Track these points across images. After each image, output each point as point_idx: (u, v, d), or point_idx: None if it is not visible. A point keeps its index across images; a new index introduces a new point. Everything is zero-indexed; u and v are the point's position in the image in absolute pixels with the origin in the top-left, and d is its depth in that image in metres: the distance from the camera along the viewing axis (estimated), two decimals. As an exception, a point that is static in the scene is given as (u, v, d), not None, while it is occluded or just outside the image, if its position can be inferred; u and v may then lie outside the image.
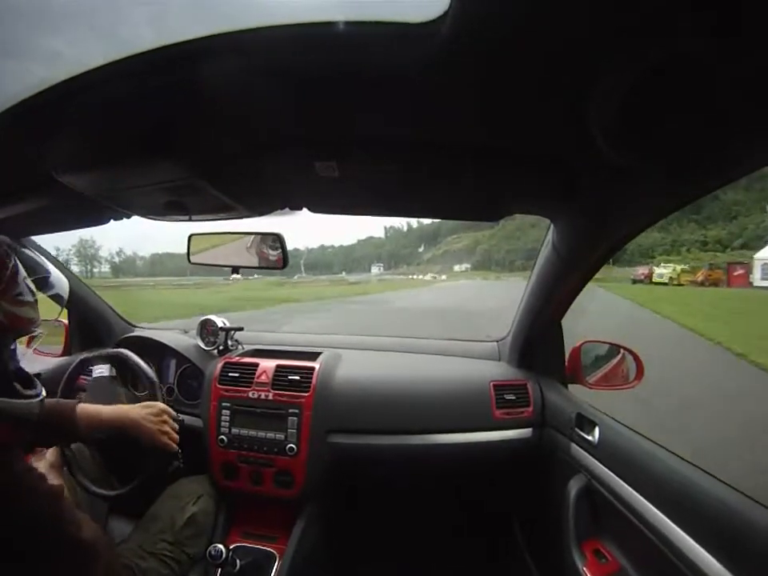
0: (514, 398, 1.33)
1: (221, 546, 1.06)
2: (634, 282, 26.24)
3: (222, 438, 1.29)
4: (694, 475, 0.77)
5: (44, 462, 1.08)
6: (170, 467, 1.17)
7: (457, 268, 72.48)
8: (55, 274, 0.81)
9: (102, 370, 1.24)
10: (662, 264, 30.51)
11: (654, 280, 26.18)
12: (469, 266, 74.39)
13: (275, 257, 1.18)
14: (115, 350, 1.31)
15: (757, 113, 0.47)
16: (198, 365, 1.47)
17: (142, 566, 0.94)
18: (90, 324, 1.69)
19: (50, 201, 0.95)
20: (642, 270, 28.27)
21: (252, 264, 1.22)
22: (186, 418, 1.34)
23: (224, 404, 1.32)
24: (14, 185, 0.92)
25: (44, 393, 0.71)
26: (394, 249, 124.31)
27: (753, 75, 0.42)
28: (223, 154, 0.75)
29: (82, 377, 1.32)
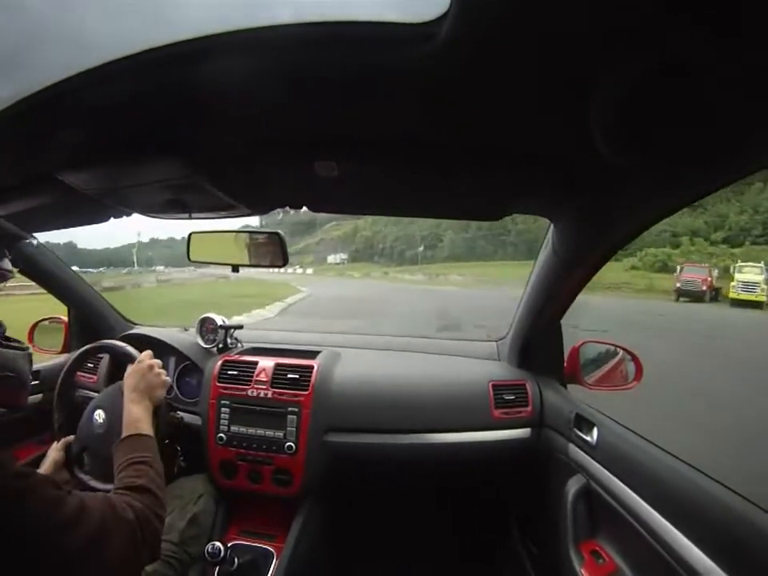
0: (512, 397, 1.33)
1: (219, 544, 1.06)
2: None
3: (221, 436, 1.29)
4: (692, 477, 0.77)
5: (49, 459, 1.07)
6: (174, 467, 1.16)
7: (331, 259, 56.18)
8: None
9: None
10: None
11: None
12: (345, 256, 57.59)
13: (275, 255, 1.18)
14: (112, 341, 1.26)
15: (757, 113, 0.47)
16: (198, 363, 1.47)
17: (147, 569, 0.92)
18: (89, 322, 1.69)
19: (51, 198, 0.95)
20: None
21: (252, 262, 1.22)
22: (185, 416, 1.35)
23: (223, 402, 1.32)
24: (15, 182, 0.93)
25: (31, 349, 0.84)
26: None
27: (753, 75, 0.42)
28: (224, 153, 0.76)
29: (79, 373, 1.31)
